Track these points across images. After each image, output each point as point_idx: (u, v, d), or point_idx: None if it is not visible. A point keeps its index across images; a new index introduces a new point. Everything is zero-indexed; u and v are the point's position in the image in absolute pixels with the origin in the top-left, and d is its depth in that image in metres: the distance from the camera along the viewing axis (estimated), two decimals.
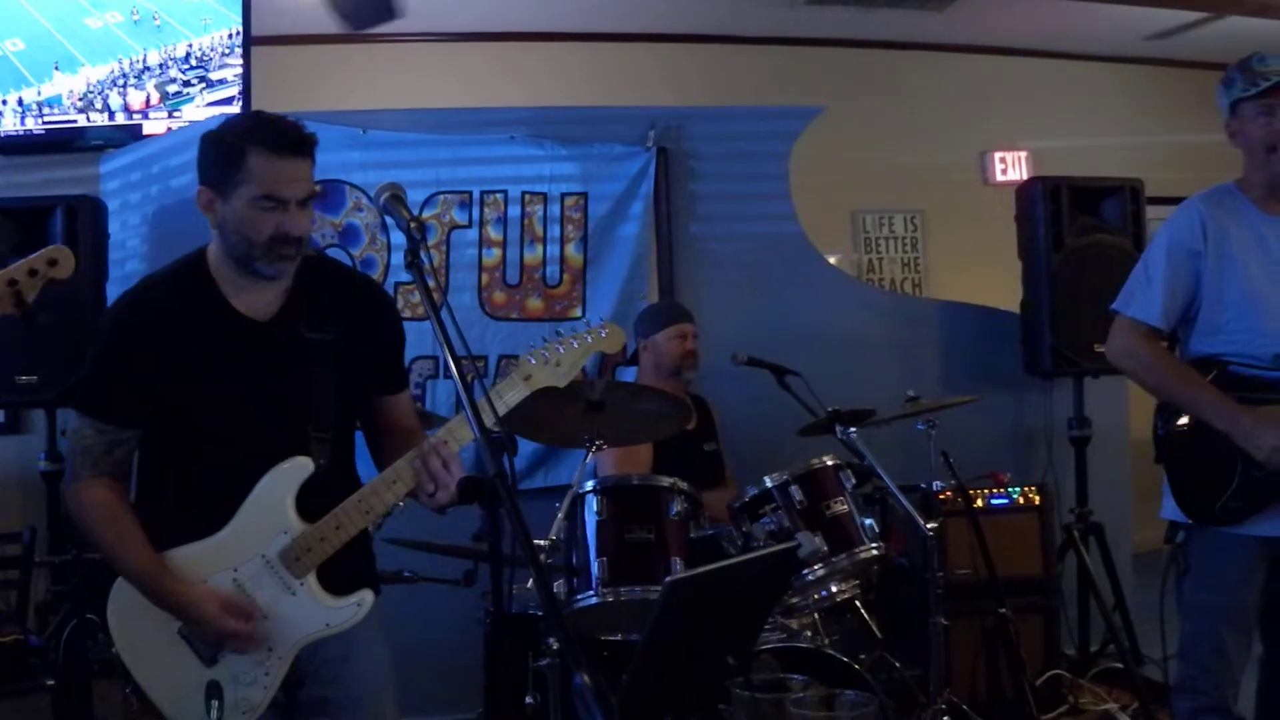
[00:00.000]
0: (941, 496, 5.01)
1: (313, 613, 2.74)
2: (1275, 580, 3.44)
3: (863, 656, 4.28)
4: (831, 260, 6.48)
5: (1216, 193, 3.60)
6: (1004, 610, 4.82)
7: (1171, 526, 3.55)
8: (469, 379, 2.40)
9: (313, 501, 2.74)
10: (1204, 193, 3.61)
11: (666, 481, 3.94)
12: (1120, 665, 5.33)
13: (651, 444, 4.67)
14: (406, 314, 3.12)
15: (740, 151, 5.85)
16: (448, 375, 5.24)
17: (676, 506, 3.89)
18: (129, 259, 5.42)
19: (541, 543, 3.68)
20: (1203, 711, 3.43)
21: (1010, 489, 5.32)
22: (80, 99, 5.70)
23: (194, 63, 5.85)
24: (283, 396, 2.78)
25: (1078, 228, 5.64)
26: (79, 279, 4.71)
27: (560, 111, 5.95)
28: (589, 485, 3.93)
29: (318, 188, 2.76)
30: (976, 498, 5.16)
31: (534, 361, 2.89)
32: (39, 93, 5.65)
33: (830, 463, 4.12)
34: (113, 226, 5.26)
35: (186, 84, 5.83)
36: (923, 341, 6.02)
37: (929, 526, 4.15)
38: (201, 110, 5.79)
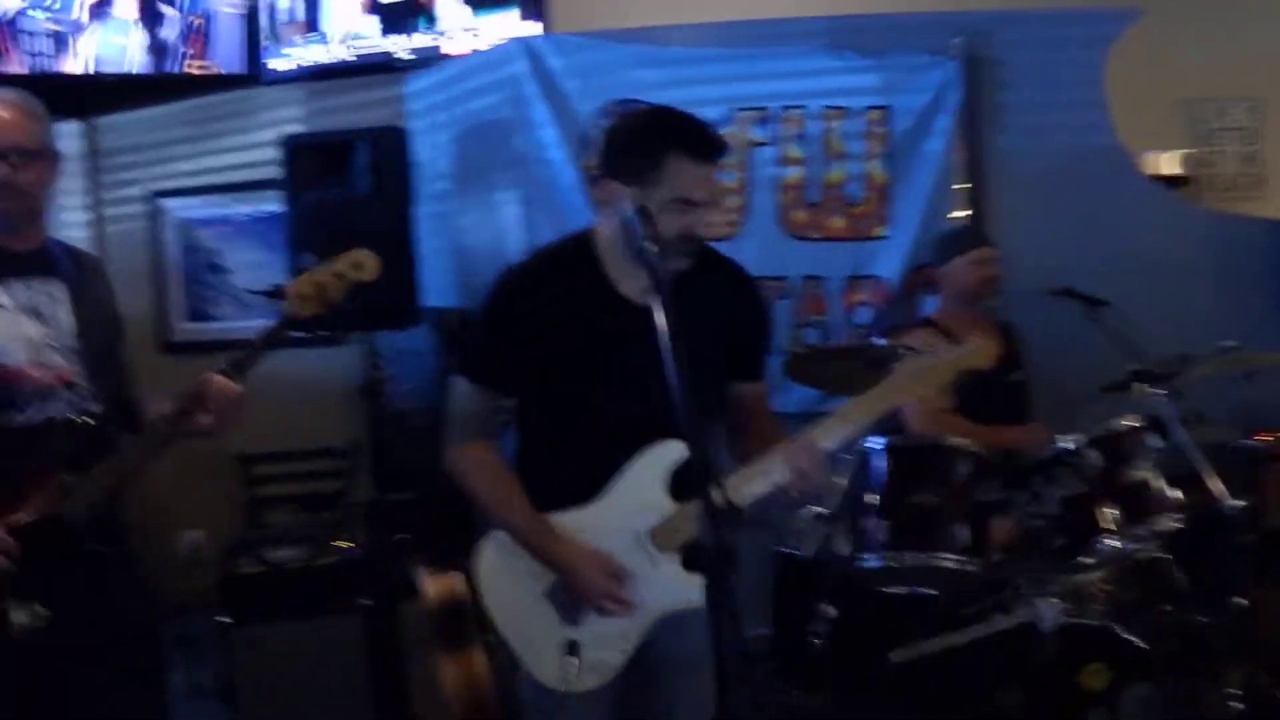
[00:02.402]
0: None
1: (677, 587, 2.79)
2: None
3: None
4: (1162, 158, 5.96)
5: None
6: None
7: None
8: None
9: (678, 483, 2.80)
10: None
11: (955, 442, 3.84)
12: None
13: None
14: None
15: (1052, 59, 5.35)
16: None
17: (963, 468, 3.80)
18: (437, 179, 5.55)
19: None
20: None
21: None
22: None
23: None
24: (660, 380, 2.82)
25: None
26: (387, 208, 4.95)
27: (859, 20, 5.57)
28: (877, 443, 3.87)
29: None
30: None
31: (900, 375, 2.91)
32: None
33: (1134, 424, 3.92)
34: (422, 147, 5.35)
35: None
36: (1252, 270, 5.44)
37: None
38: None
